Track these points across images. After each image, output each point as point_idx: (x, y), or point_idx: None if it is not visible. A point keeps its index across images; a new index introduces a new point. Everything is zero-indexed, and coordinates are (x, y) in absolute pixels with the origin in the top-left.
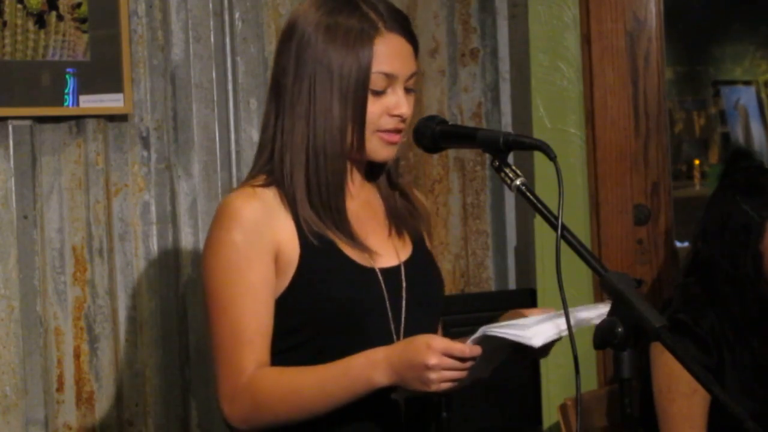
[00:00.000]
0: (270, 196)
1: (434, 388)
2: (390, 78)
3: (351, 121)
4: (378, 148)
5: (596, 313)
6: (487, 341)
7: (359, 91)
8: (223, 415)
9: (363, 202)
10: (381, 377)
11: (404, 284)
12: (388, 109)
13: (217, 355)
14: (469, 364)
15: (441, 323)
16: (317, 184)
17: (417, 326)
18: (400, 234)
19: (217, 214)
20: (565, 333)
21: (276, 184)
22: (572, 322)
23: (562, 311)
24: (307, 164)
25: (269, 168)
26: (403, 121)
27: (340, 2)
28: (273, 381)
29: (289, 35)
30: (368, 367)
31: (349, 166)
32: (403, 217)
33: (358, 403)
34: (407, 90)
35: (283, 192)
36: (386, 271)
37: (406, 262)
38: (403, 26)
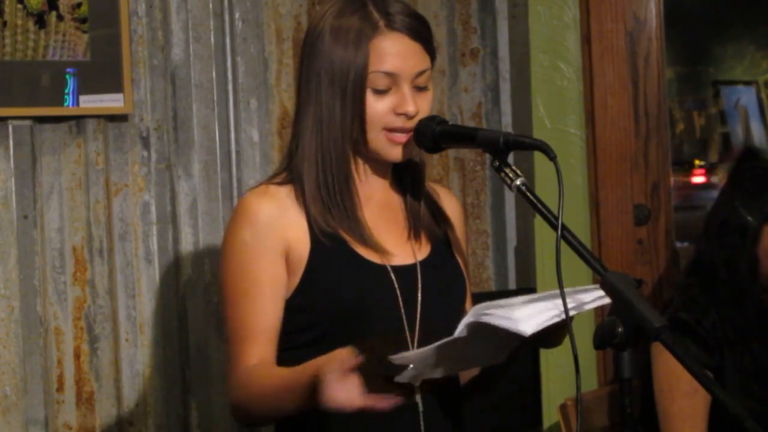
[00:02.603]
0: (284, 194)
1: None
2: (392, 77)
3: (352, 120)
4: (384, 148)
5: (592, 296)
6: (477, 328)
7: (357, 90)
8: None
9: (382, 203)
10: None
11: (420, 283)
12: (393, 108)
13: (226, 347)
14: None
15: None
16: (326, 182)
17: (433, 326)
18: (419, 237)
19: (233, 211)
20: (558, 319)
21: (292, 182)
22: (570, 305)
23: (557, 291)
24: (316, 163)
25: (288, 166)
26: (410, 119)
27: (349, 3)
28: (257, 378)
29: (304, 39)
30: (312, 378)
31: (363, 166)
32: (426, 221)
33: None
34: (418, 88)
35: (298, 190)
36: (399, 269)
37: (423, 262)
38: (408, 24)
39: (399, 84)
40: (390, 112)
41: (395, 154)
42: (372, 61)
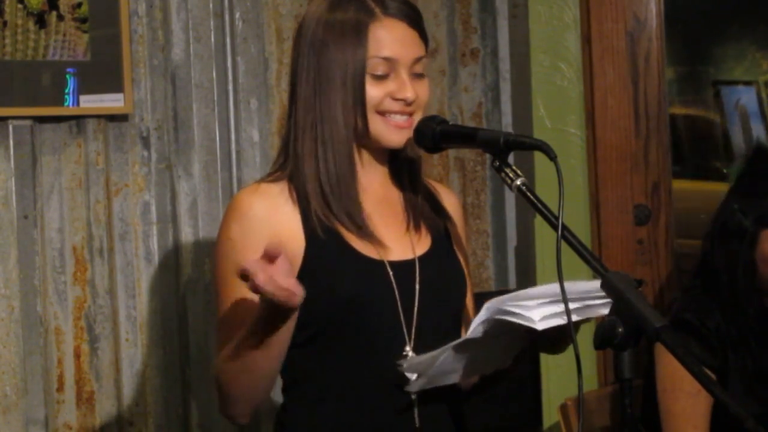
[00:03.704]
0: (276, 191)
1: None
2: (390, 62)
3: (353, 106)
4: (383, 132)
5: (596, 300)
6: (493, 325)
7: (357, 77)
8: None
9: (380, 197)
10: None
11: (418, 279)
12: (391, 93)
13: None
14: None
15: (465, 320)
16: (326, 173)
17: (431, 321)
18: (418, 230)
19: (225, 210)
20: (576, 317)
21: (287, 178)
22: (574, 306)
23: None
24: (316, 154)
25: (283, 164)
26: (409, 104)
27: None
28: (220, 359)
29: (297, 35)
30: (262, 304)
31: (363, 154)
32: (425, 214)
33: (372, 401)
34: (416, 75)
35: (293, 186)
36: (397, 265)
37: (422, 257)
38: (403, 11)
39: (397, 70)
40: (386, 97)
41: (396, 139)
42: (371, 47)
